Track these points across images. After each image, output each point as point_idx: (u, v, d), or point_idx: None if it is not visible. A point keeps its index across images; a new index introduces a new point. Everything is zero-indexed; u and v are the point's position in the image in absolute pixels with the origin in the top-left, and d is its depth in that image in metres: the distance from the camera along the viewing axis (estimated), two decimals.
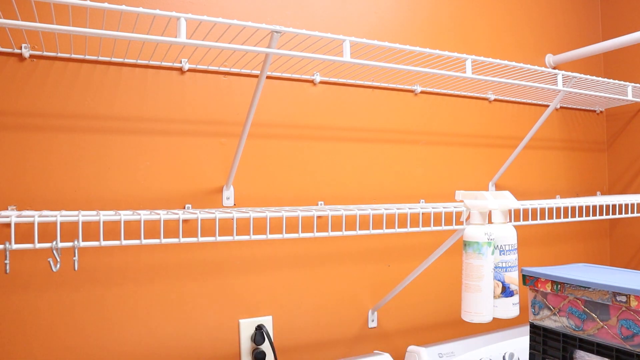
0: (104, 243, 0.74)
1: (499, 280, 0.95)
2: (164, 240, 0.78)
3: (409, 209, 0.98)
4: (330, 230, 0.90)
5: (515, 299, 0.96)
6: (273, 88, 1.22)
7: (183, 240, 0.80)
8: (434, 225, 0.98)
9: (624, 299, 0.89)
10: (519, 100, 1.61)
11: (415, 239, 1.39)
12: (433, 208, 0.99)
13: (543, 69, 1.21)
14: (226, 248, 1.15)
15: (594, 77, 1.28)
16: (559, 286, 1.07)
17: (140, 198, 1.07)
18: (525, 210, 1.48)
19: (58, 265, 0.72)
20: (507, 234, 0.96)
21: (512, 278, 0.96)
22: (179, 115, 1.12)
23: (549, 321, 1.10)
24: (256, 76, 1.19)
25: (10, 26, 0.75)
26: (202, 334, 1.13)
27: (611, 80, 1.33)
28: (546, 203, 1.15)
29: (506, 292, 0.95)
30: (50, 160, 1.00)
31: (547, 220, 1.14)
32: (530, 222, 1.10)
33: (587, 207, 1.22)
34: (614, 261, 1.79)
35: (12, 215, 0.76)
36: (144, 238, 0.77)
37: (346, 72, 1.25)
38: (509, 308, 0.95)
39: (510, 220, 1.03)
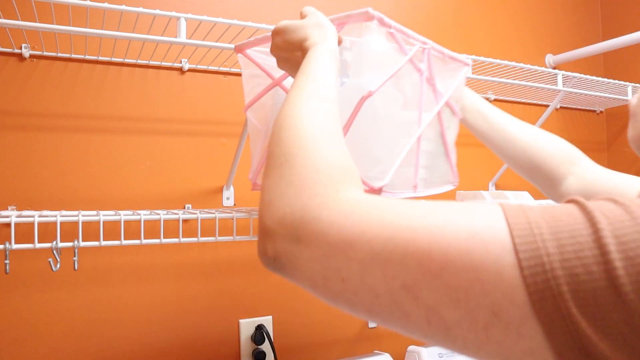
0: (104, 243, 0.74)
1: None
2: (164, 241, 0.79)
3: None
4: None
5: None
6: None
7: (183, 240, 0.80)
8: None
9: None
10: (519, 100, 1.61)
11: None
12: None
13: (543, 69, 1.21)
14: (226, 248, 1.15)
15: (593, 77, 1.28)
16: None
17: (141, 198, 1.07)
18: None
19: (58, 265, 0.72)
20: None
21: None
22: (179, 115, 1.12)
23: None
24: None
25: (10, 26, 0.75)
26: (202, 334, 1.13)
27: (611, 80, 1.33)
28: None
29: None
30: (50, 160, 1.00)
31: None
32: None
33: None
34: None
35: (12, 215, 0.76)
36: (144, 238, 0.77)
37: None
38: None
39: None
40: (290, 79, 0.75)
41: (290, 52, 0.62)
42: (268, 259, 0.40)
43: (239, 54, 0.81)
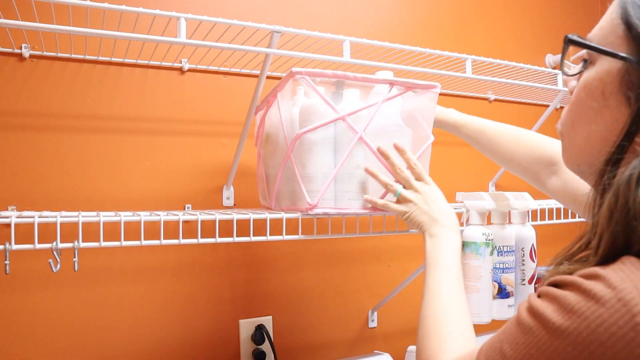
0: (104, 244, 0.74)
1: (495, 282, 0.95)
2: (164, 242, 0.79)
3: None
4: (330, 232, 0.90)
5: (511, 300, 0.96)
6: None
7: (183, 241, 0.80)
8: None
9: None
10: (519, 100, 1.60)
11: (416, 239, 1.39)
12: None
13: (543, 69, 1.21)
14: (226, 248, 1.15)
15: None
16: None
17: (141, 198, 1.07)
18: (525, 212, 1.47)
19: (58, 266, 0.72)
20: (505, 235, 0.96)
21: (509, 279, 0.96)
22: (179, 115, 1.12)
23: None
24: (256, 76, 1.19)
25: (10, 26, 0.75)
26: (202, 334, 1.13)
27: None
28: (546, 204, 1.15)
29: (502, 293, 0.95)
30: (50, 161, 1.00)
31: (547, 221, 1.14)
32: (530, 222, 1.09)
33: None
34: None
35: (12, 216, 0.76)
36: (144, 239, 0.77)
37: None
38: (504, 310, 0.95)
39: (510, 221, 1.03)
40: (352, 117, 0.84)
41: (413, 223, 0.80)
42: None
43: (300, 77, 0.80)
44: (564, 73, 0.55)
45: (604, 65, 0.48)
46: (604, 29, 0.49)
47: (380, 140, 0.84)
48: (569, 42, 0.51)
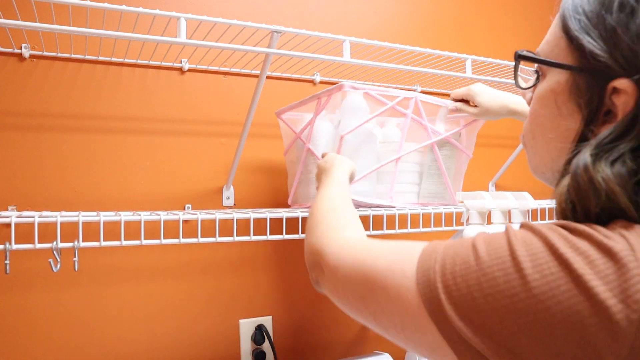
0: (104, 243, 0.74)
1: None
2: (164, 241, 0.79)
3: (409, 209, 0.98)
4: None
5: None
6: (273, 88, 1.22)
7: (183, 240, 0.80)
8: (434, 226, 0.98)
9: None
10: None
11: (416, 239, 1.39)
12: (433, 209, 0.99)
13: None
14: (226, 248, 1.15)
15: None
16: None
17: (141, 198, 1.07)
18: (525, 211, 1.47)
19: (58, 266, 0.72)
20: None
21: None
22: (179, 115, 1.12)
23: None
24: (256, 76, 1.19)
25: (10, 26, 0.75)
26: (202, 334, 1.13)
27: None
28: (546, 203, 1.15)
29: None
30: (50, 161, 1.00)
31: (547, 221, 1.14)
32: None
33: None
34: None
35: (13, 216, 0.76)
36: (144, 239, 0.77)
37: (346, 72, 1.25)
38: None
39: (510, 221, 1.03)
40: (306, 131, 1.04)
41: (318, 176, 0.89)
42: (313, 283, 0.63)
43: (278, 118, 1.10)
44: (518, 87, 0.58)
45: (554, 76, 0.50)
46: (550, 42, 0.51)
47: (359, 144, 0.99)
48: (519, 57, 0.55)
